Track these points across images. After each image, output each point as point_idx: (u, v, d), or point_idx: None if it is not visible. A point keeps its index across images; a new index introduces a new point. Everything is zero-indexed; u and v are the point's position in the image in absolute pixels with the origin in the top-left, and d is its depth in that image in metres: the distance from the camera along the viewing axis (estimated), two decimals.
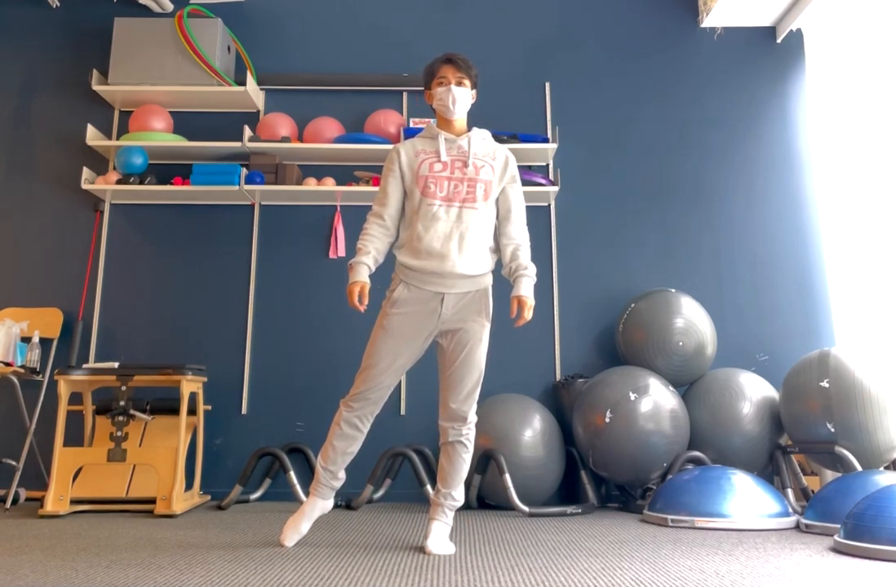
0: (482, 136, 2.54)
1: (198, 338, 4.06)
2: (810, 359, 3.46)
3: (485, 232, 2.46)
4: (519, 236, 2.51)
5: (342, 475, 2.52)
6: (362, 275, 2.45)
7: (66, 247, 4.16)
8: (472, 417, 2.46)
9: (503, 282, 2.55)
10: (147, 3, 4.35)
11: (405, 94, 4.38)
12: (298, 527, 2.47)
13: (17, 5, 4.46)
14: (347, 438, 2.46)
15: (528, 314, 2.45)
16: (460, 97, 2.48)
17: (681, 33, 4.47)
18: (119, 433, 3.33)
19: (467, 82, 2.50)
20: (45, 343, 3.90)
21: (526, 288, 2.46)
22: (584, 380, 3.82)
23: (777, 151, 4.33)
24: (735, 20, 4.39)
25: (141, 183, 4.05)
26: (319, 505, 2.51)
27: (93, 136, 4.08)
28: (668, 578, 1.96)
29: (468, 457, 2.49)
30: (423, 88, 2.59)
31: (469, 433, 2.47)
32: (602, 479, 3.71)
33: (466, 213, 2.42)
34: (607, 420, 3.42)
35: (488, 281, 2.50)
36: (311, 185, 4.07)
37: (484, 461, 3.44)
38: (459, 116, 2.52)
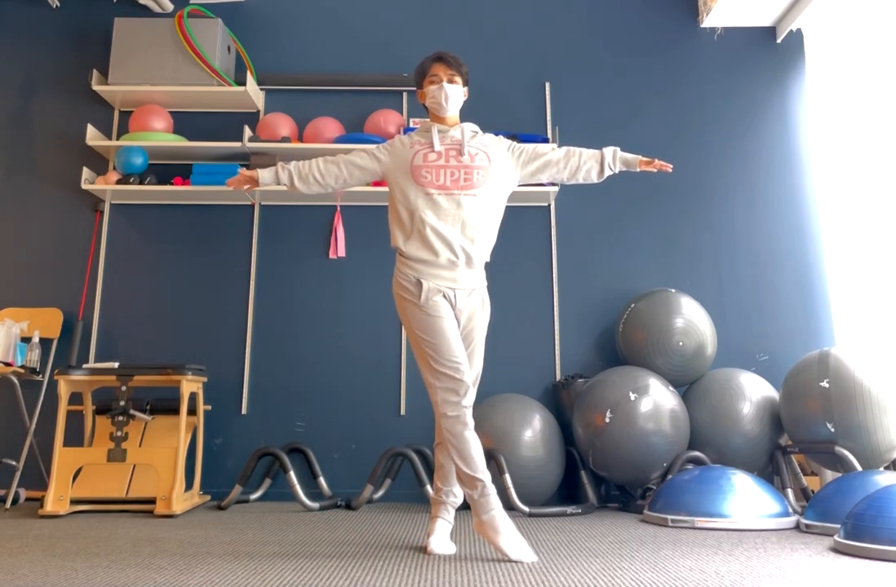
0: (473, 129, 2.56)
1: (198, 338, 4.06)
2: (810, 359, 3.46)
3: (486, 220, 2.44)
4: (561, 149, 2.56)
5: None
6: (262, 171, 2.52)
7: (66, 247, 4.16)
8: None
9: (502, 280, 2.55)
10: (147, 3, 4.35)
11: (405, 94, 4.38)
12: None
13: (17, 5, 4.46)
14: (471, 433, 2.32)
15: (657, 161, 2.56)
16: (452, 94, 2.49)
17: (681, 33, 4.47)
18: (119, 433, 3.33)
19: (459, 80, 2.52)
20: (45, 343, 3.90)
21: (622, 154, 2.55)
22: (584, 380, 3.82)
23: (777, 151, 4.33)
24: (735, 20, 4.39)
25: (141, 183, 4.05)
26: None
27: (93, 136, 4.08)
28: (668, 578, 1.96)
29: None
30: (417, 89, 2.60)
31: None
32: (602, 479, 3.71)
33: (466, 199, 2.41)
34: (607, 420, 3.42)
35: (484, 278, 2.51)
36: None
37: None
38: (452, 114, 2.54)
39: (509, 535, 2.24)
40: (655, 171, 2.57)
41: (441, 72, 2.50)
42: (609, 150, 2.55)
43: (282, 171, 2.52)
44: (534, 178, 2.58)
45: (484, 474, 2.28)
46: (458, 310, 2.41)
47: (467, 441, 2.29)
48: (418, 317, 2.37)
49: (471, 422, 2.31)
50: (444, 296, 2.39)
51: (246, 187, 2.58)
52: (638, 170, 2.58)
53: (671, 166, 2.58)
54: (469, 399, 2.32)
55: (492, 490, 2.28)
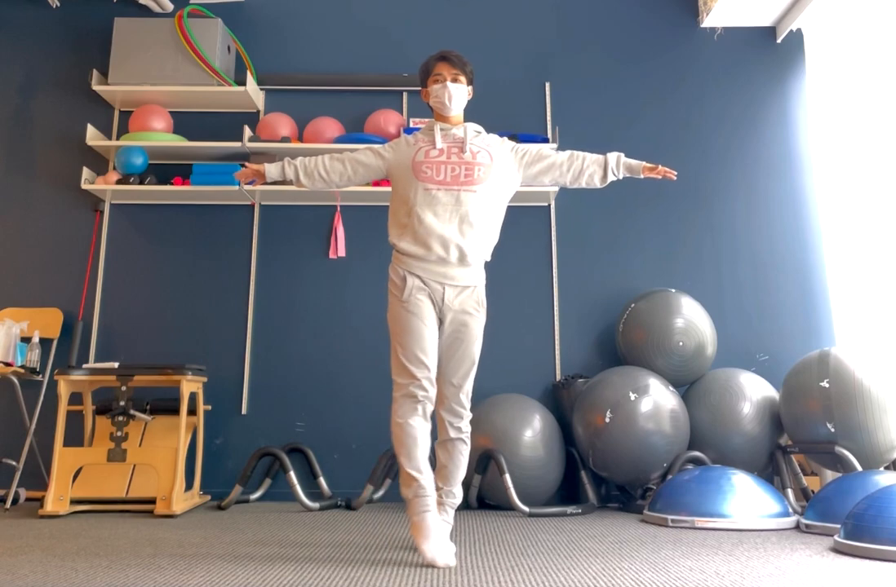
0: (476, 129, 2.56)
1: (198, 338, 4.06)
2: (810, 359, 3.46)
3: (485, 217, 2.44)
4: (564, 153, 2.56)
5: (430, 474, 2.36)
6: (269, 165, 2.55)
7: (66, 247, 4.16)
8: (468, 412, 2.46)
9: (501, 280, 2.54)
10: (147, 3, 4.35)
11: (405, 94, 4.38)
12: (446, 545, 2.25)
13: (17, 5, 4.46)
14: (419, 431, 2.32)
15: (660, 167, 2.55)
16: (456, 93, 2.50)
17: (681, 33, 4.47)
18: (119, 433, 3.33)
19: (463, 79, 2.52)
20: (45, 343, 3.90)
21: (626, 160, 2.55)
22: (584, 380, 3.82)
23: (777, 151, 4.33)
24: (735, 20, 4.38)
25: (141, 183, 4.05)
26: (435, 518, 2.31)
27: (93, 136, 4.08)
28: (668, 578, 1.96)
29: (467, 454, 2.49)
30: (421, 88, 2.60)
31: (468, 430, 2.47)
32: (602, 479, 3.71)
33: (465, 195, 2.42)
34: (607, 420, 3.42)
35: (483, 277, 2.50)
36: None
37: (484, 461, 3.44)
38: (456, 113, 2.54)
39: (436, 540, 2.20)
40: (659, 177, 2.56)
41: (445, 71, 2.50)
42: (613, 156, 2.55)
43: (288, 166, 2.55)
44: (536, 181, 2.58)
45: (420, 473, 2.28)
46: (445, 306, 2.39)
47: (415, 440, 2.30)
48: (397, 311, 2.40)
49: (418, 425, 2.30)
50: (430, 295, 2.39)
51: (253, 181, 2.59)
52: (641, 176, 2.57)
53: (675, 173, 2.57)
54: (425, 403, 2.32)
55: (429, 491, 2.28)
